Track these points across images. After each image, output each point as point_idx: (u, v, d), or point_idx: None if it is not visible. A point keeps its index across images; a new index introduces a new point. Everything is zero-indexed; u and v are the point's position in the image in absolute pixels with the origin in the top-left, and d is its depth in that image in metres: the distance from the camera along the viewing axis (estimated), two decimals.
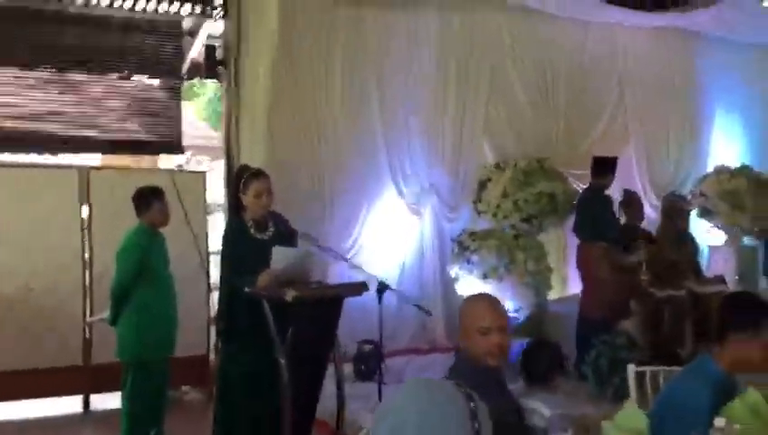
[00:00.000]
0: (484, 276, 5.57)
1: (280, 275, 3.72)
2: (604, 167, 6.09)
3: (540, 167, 6.34)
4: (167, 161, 8.66)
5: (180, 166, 9.90)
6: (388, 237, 6.69)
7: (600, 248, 5.68)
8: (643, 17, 7.21)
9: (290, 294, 3.49)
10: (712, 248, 7.24)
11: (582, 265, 5.82)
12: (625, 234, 5.83)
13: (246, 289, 3.72)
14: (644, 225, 6.48)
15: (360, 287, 3.85)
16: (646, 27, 7.65)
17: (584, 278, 5.82)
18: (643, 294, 5.70)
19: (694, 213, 7.13)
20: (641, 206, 6.40)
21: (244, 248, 3.96)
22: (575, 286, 6.52)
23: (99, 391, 5.51)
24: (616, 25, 7.56)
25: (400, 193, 6.79)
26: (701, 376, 2.44)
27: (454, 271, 5.86)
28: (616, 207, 6.18)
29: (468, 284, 5.66)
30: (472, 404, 1.45)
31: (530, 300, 5.69)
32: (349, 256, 6.23)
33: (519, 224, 6.13)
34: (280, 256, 3.72)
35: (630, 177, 7.75)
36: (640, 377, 3.02)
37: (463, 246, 5.86)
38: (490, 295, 2.67)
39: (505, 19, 7.07)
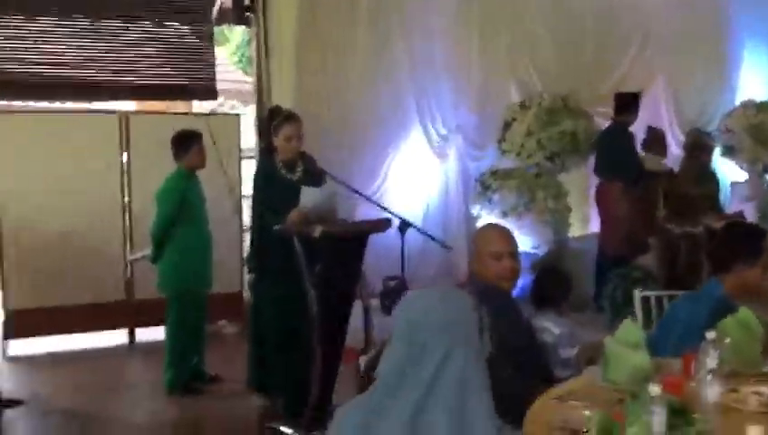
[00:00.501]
0: (504, 214, 5.74)
1: (308, 213, 3.94)
2: (626, 103, 6.15)
3: (564, 105, 6.40)
4: (200, 106, 8.86)
5: (214, 110, 10.13)
6: (414, 179, 6.87)
7: (618, 187, 5.79)
8: None
9: (317, 231, 3.71)
10: (734, 185, 7.28)
11: (601, 202, 5.95)
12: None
13: (277, 227, 3.96)
14: (668, 161, 6.55)
15: (383, 224, 4.06)
16: None
17: (603, 216, 5.96)
18: (660, 229, 5.83)
19: (717, 152, 7.16)
20: (665, 142, 6.45)
21: (275, 188, 4.18)
22: (597, 225, 6.66)
23: (143, 326, 5.88)
24: None
25: (426, 134, 6.94)
26: (704, 298, 2.64)
27: (475, 210, 6.03)
28: (639, 144, 6.25)
29: (488, 222, 5.85)
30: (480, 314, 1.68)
31: (548, 237, 5.86)
32: (374, 197, 6.45)
33: (543, 162, 6.24)
34: (308, 196, 3.93)
35: (657, 113, 7.76)
36: (645, 301, 3.22)
37: (485, 186, 6.03)
38: (502, 225, 2.91)
39: None
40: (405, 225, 4.06)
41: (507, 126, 6.49)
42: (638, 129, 6.46)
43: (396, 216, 4.17)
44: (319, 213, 3.98)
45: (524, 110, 6.45)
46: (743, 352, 2.44)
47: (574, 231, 6.88)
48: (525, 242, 5.86)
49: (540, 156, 6.19)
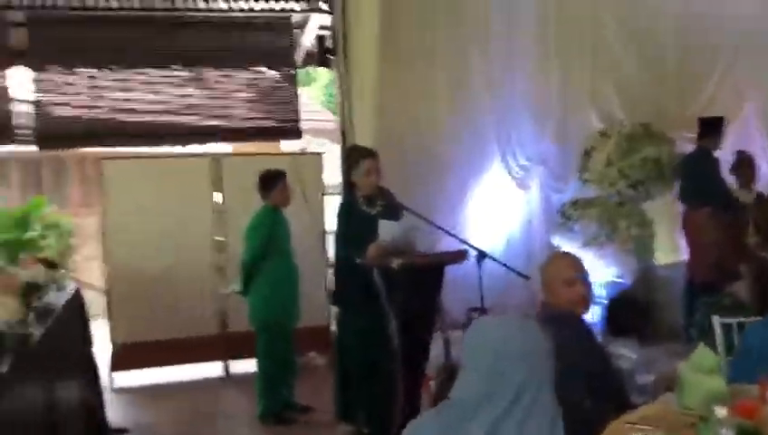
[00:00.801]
0: (586, 244, 5.70)
1: (387, 246, 4.08)
2: (710, 128, 6.04)
3: (645, 132, 6.32)
4: (288, 145, 9.24)
5: (303, 149, 10.52)
6: (496, 210, 6.92)
7: (704, 213, 5.67)
8: None
9: (396, 262, 3.85)
10: None
11: (688, 229, 5.83)
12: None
13: (358, 260, 4.12)
14: (759, 186, 6.34)
15: (460, 255, 4.16)
16: None
17: (690, 243, 5.82)
18: (752, 256, 5.65)
19: None
20: (754, 166, 6.26)
21: (356, 222, 4.36)
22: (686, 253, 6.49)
23: (237, 358, 6.14)
24: None
25: (507, 167, 6.99)
26: None
27: (556, 240, 6.02)
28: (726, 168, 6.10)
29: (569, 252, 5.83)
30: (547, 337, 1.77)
31: (632, 266, 5.77)
32: (456, 230, 6.54)
33: (625, 191, 6.17)
34: (386, 230, 4.08)
35: (748, 136, 7.54)
36: (727, 329, 3.17)
37: (565, 216, 6.02)
38: (570, 253, 2.96)
39: None
40: (482, 256, 4.13)
41: (588, 155, 6.45)
42: (727, 153, 6.31)
43: (472, 247, 4.25)
44: (398, 246, 4.11)
45: (605, 138, 6.40)
46: None
47: (664, 259, 6.73)
48: (608, 272, 5.80)
49: (622, 184, 6.11)
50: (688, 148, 6.56)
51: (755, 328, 2.70)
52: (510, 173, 6.96)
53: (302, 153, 8.25)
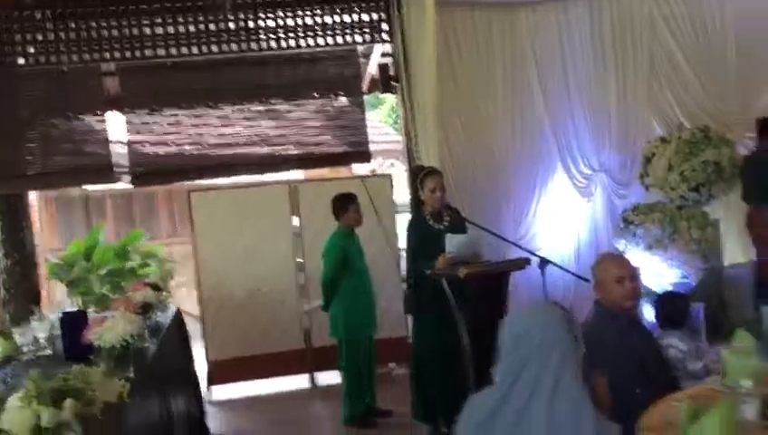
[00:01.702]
0: (650, 247, 5.87)
1: (454, 257, 4.41)
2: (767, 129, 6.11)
3: (704, 135, 6.44)
4: (361, 168, 9.67)
5: (373, 170, 10.95)
6: (562, 219, 7.16)
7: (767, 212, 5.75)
8: None
9: (462, 272, 4.18)
10: None
11: (752, 229, 5.91)
12: None
13: (427, 271, 4.47)
14: None
15: (522, 262, 4.45)
16: None
17: (756, 242, 5.90)
18: None
19: None
20: None
21: (424, 237, 4.72)
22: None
23: (322, 370, 6.55)
24: None
25: (570, 176, 7.23)
26: None
27: (621, 245, 6.20)
28: None
29: (634, 255, 5.99)
30: (570, 320, 2.06)
31: (698, 266, 5.89)
32: (525, 240, 6.82)
33: (688, 194, 6.30)
34: (452, 242, 4.42)
35: None
36: None
37: (627, 221, 6.19)
38: (618, 252, 3.23)
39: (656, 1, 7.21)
40: (544, 262, 4.41)
41: (648, 161, 6.62)
42: None
43: (534, 254, 4.54)
44: (464, 256, 4.45)
45: (665, 143, 6.55)
46: None
47: (733, 259, 6.80)
48: (675, 273, 5.95)
49: (684, 188, 6.26)
50: (750, 149, 6.64)
51: None
52: (573, 182, 7.19)
53: (373, 175, 8.67)
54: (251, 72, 7.23)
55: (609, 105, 7.24)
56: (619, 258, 3.23)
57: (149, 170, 6.98)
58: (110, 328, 3.09)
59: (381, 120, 15.18)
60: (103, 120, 6.55)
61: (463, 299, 4.33)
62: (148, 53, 6.53)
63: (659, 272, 5.94)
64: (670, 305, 3.61)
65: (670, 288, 5.54)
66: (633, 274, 3.15)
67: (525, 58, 7.16)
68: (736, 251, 6.65)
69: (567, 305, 2.17)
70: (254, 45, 6.81)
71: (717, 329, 5.22)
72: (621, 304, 3.11)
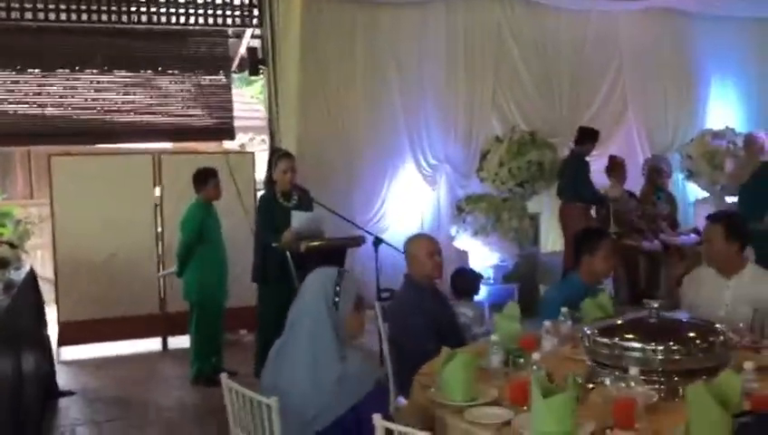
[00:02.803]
0: (475, 233, 6.66)
1: (298, 232, 4.93)
2: (586, 136, 7.05)
3: (531, 138, 7.32)
4: (230, 142, 9.93)
5: (243, 145, 11.25)
6: (408, 205, 7.84)
7: (576, 207, 6.70)
8: (614, 3, 8.14)
9: (303, 246, 4.71)
10: (698, 203, 8.09)
11: (563, 221, 6.85)
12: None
13: (274, 244, 4.96)
14: (629, 185, 7.40)
15: (358, 240, 5.05)
16: (642, 10, 8.48)
17: (565, 233, 6.84)
18: (620, 246, 6.69)
19: (680, 175, 8.00)
20: (624, 169, 7.31)
21: (274, 213, 5.20)
22: None
23: (174, 334, 6.88)
24: (615, 10, 8.42)
25: (418, 166, 7.92)
26: (565, 284, 3.58)
27: (453, 230, 6.97)
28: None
29: (463, 240, 6.79)
30: (340, 276, 2.62)
31: (514, 252, 6.76)
32: (373, 221, 7.46)
33: (515, 188, 7.15)
34: (297, 219, 4.94)
35: (631, 142, 8.69)
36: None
37: (460, 209, 6.96)
38: (428, 234, 3.89)
39: (504, 12, 8.03)
40: (378, 241, 5.01)
41: (484, 157, 7.42)
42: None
43: (369, 233, 5.14)
44: (308, 232, 4.98)
45: (498, 143, 7.38)
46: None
47: (553, 247, 7.78)
48: (495, 256, 6.79)
49: (511, 183, 7.11)
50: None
51: (551, 289, 3.68)
52: (420, 171, 7.89)
53: (236, 151, 9.02)
54: (122, 42, 7.40)
55: (457, 104, 7.99)
56: (429, 237, 3.86)
57: (10, 131, 7.02)
58: None
59: (254, 97, 15.35)
60: None
61: (304, 270, 4.81)
62: (15, 15, 6.56)
63: (483, 255, 6.76)
64: (462, 279, 4.30)
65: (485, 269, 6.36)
66: (440, 250, 3.79)
67: (385, 54, 7.75)
68: (554, 241, 7.62)
69: (351, 272, 2.72)
70: (124, 18, 6.99)
71: (529, 306, 6.05)
72: (431, 275, 3.73)
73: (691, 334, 2.70)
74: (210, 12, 7.41)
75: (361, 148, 7.68)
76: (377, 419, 2.22)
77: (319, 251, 4.78)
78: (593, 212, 6.97)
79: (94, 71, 7.36)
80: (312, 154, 7.37)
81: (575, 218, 6.62)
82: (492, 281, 6.80)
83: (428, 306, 3.67)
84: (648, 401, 2.40)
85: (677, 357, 2.59)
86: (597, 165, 7.61)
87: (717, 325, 2.81)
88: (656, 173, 7.26)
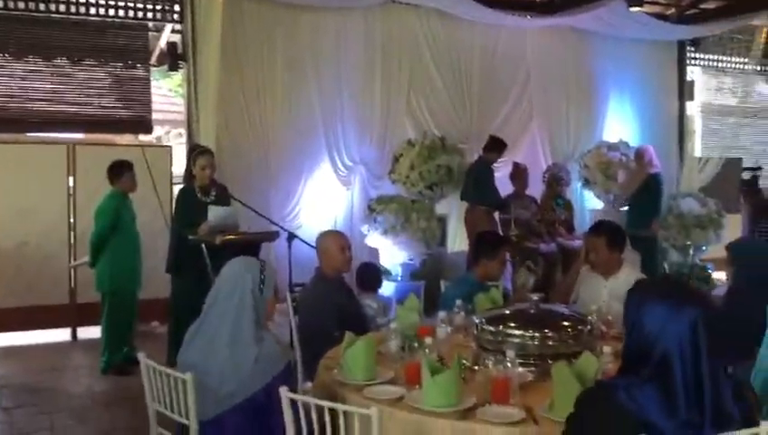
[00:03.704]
0: (385, 232, 6.99)
1: (214, 226, 5.11)
2: (494, 145, 7.49)
3: (441, 144, 7.71)
4: (147, 136, 9.90)
5: (160, 138, 11.19)
6: (323, 203, 8.09)
7: (481, 210, 7.12)
8: (521, 20, 8.66)
9: (218, 239, 4.90)
10: (595, 211, 8.71)
11: (467, 223, 7.27)
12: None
13: (190, 237, 5.12)
14: (531, 191, 7.90)
15: (273, 235, 5.26)
16: (549, 27, 9.03)
17: (469, 235, 7.25)
18: (519, 247, 7.16)
19: (579, 184, 8.60)
20: (526, 176, 7.79)
21: (191, 207, 5.35)
22: None
23: (84, 325, 6.90)
24: (524, 25, 8.94)
25: (334, 166, 8.18)
26: (461, 282, 3.93)
27: (364, 229, 7.28)
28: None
29: (373, 238, 7.12)
30: (263, 265, 2.86)
31: (421, 251, 7.14)
32: (289, 218, 7.68)
33: (425, 191, 7.52)
34: (213, 213, 5.12)
35: (535, 150, 9.23)
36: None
37: (371, 209, 7.28)
38: (339, 231, 4.17)
39: (420, 22, 8.39)
40: (291, 236, 5.25)
41: (397, 160, 7.76)
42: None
43: (283, 229, 5.37)
44: (223, 226, 5.16)
45: (410, 147, 7.74)
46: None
47: (460, 247, 8.18)
48: (404, 255, 7.14)
49: (421, 186, 7.48)
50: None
51: (449, 285, 4.04)
52: (336, 171, 8.16)
53: (153, 145, 9.04)
54: (38, 30, 7.32)
55: (373, 108, 8.30)
56: (340, 233, 4.15)
57: None
58: None
59: (172, 90, 15.21)
60: None
61: (219, 263, 5.00)
62: None
63: (392, 253, 7.10)
64: (367, 274, 4.60)
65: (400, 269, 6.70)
66: (350, 246, 4.07)
67: (304, 57, 7.97)
68: (460, 241, 8.04)
69: (266, 262, 2.97)
70: (42, 6, 6.95)
71: (435, 302, 6.41)
72: (340, 269, 4.00)
73: (564, 324, 3.08)
74: (130, 4, 7.43)
75: (279, 147, 7.87)
76: (283, 390, 2.47)
77: (234, 245, 4.96)
78: (496, 215, 7.41)
79: (9, 58, 7.25)
80: (231, 151, 7.52)
81: (479, 221, 7.03)
82: (400, 278, 7.15)
83: (336, 298, 3.93)
84: (523, 380, 2.75)
85: (551, 343, 2.96)
86: (503, 171, 8.10)
87: (588, 317, 3.21)
88: (555, 181, 7.78)
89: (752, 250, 3.55)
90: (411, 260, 7.12)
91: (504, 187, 7.77)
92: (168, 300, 7.04)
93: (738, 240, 4.14)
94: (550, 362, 2.91)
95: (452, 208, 8.02)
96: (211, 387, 2.70)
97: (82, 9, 7.17)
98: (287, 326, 4.33)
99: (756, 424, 1.91)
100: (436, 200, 7.68)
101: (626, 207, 8.03)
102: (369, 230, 7.15)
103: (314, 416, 2.58)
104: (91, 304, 6.25)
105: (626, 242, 4.10)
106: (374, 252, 7.35)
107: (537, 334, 2.96)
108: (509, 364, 2.69)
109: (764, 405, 2.33)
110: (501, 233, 7.09)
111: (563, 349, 2.94)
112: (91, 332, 6.71)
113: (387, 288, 6.59)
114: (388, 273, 6.35)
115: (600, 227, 4.14)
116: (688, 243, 8.00)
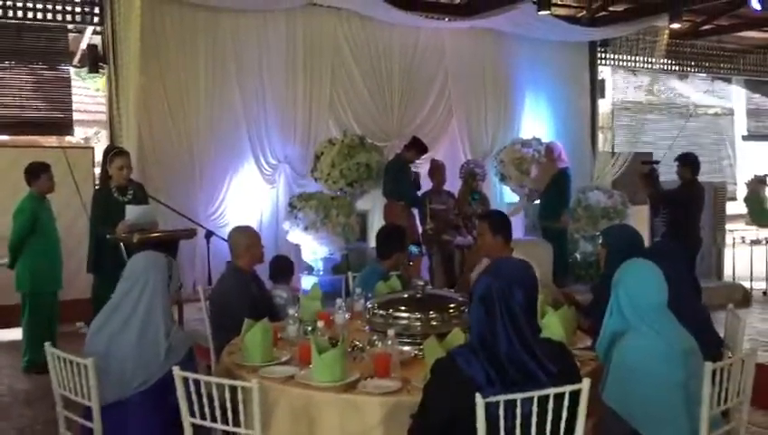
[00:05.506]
0: (306, 228, 7.23)
1: (132, 225, 5.25)
2: (415, 145, 7.79)
3: (361, 142, 7.98)
4: (70, 137, 9.84)
5: (87, 138, 11.12)
6: (248, 202, 8.27)
7: (399, 206, 7.43)
8: (439, 23, 9.05)
9: (136, 237, 5.04)
10: (509, 204, 9.12)
11: (386, 218, 7.55)
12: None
13: (108, 235, 5.25)
14: (449, 186, 8.22)
15: (191, 232, 5.43)
16: (467, 28, 9.40)
17: None
18: (437, 240, 7.48)
19: (496, 178, 9.00)
20: (444, 172, 8.10)
21: (108, 207, 5.46)
22: None
23: (3, 327, 6.88)
24: (443, 26, 9.28)
25: (259, 165, 8.37)
26: (371, 272, 4.23)
27: (286, 225, 7.50)
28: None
29: (295, 234, 7.34)
30: (170, 262, 3.07)
31: (341, 245, 7.40)
32: (214, 217, 7.83)
33: (346, 188, 7.78)
34: (130, 212, 5.25)
35: (455, 147, 9.59)
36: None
37: (292, 206, 7.49)
38: (250, 227, 4.39)
39: (341, 23, 8.63)
40: (209, 234, 5.42)
41: (318, 158, 8.00)
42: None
43: (201, 226, 5.54)
44: (142, 225, 5.30)
45: (331, 145, 7.98)
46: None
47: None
48: (324, 250, 7.39)
49: (342, 183, 7.74)
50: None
51: (361, 275, 4.35)
52: (260, 170, 8.34)
53: (75, 146, 9.03)
54: None
55: (296, 107, 8.51)
56: (251, 228, 4.36)
57: None
58: None
59: (99, 90, 15.04)
60: None
61: None
62: None
63: (314, 248, 7.33)
64: (279, 265, 4.83)
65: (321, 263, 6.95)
66: (260, 239, 4.28)
67: (227, 58, 8.13)
68: None
69: (172, 260, 3.17)
70: None
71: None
72: (254, 263, 4.20)
73: (447, 306, 3.36)
74: (49, 7, 7.46)
75: (203, 147, 8.01)
76: (175, 369, 2.68)
77: (151, 242, 5.10)
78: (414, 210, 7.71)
79: None
80: (155, 151, 7.63)
81: (397, 216, 7.31)
82: (321, 272, 7.39)
83: (248, 289, 4.14)
84: (405, 356, 3.03)
85: (434, 323, 3.24)
86: (424, 168, 8.40)
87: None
88: (470, 176, 8.12)
89: (620, 234, 3.85)
90: (332, 255, 7.37)
91: (426, 182, 8.09)
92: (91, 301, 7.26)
93: (610, 227, 4.49)
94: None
95: (375, 204, 8.29)
96: (114, 372, 2.88)
97: (0, 12, 7.16)
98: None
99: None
100: (357, 197, 7.94)
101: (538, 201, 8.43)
102: (290, 227, 7.36)
103: (215, 394, 2.78)
104: (9, 306, 6.28)
105: (510, 229, 4.34)
106: (296, 248, 7.57)
107: (421, 316, 3.24)
108: (389, 342, 2.96)
109: (605, 369, 2.64)
110: (420, 226, 7.42)
111: (445, 328, 3.21)
112: (8, 334, 6.73)
113: (308, 282, 6.84)
114: (310, 268, 6.57)
115: (486, 214, 4.51)
116: (597, 233, 8.43)
